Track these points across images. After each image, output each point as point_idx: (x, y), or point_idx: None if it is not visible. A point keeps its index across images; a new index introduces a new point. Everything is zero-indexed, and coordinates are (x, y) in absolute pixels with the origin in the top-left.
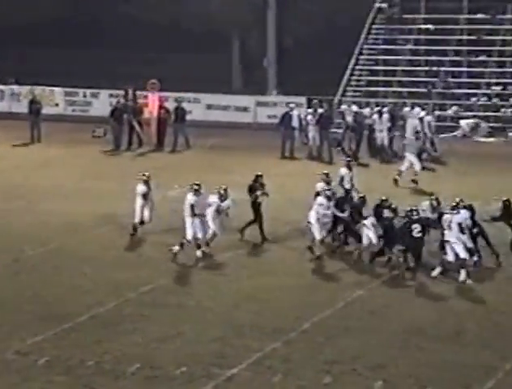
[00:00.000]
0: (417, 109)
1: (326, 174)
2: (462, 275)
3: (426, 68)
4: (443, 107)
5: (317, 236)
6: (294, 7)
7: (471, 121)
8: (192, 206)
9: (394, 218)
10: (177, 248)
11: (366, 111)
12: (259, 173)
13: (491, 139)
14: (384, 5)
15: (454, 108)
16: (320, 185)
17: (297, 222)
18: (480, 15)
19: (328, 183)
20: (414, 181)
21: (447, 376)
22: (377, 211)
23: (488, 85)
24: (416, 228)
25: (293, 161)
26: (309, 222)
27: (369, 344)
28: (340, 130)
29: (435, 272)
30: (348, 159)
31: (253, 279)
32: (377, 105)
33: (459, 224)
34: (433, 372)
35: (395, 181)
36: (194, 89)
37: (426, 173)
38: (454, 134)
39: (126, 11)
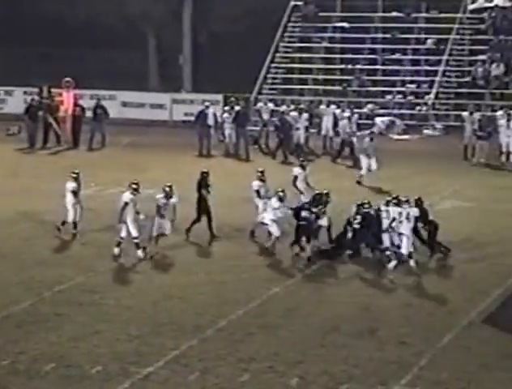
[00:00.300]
0: (333, 107)
1: (262, 172)
2: (392, 264)
3: (341, 66)
4: (358, 105)
5: (277, 233)
6: (210, 4)
7: (387, 118)
8: (126, 204)
9: (317, 218)
10: (139, 253)
11: (282, 109)
12: (205, 170)
13: (406, 137)
14: (299, 2)
15: (370, 106)
16: (256, 184)
17: (216, 219)
18: (394, 14)
19: (263, 181)
20: (358, 182)
21: (363, 372)
22: (296, 211)
23: (403, 83)
24: (356, 220)
25: (210, 159)
26: (263, 223)
27: (286, 341)
28: (257, 128)
29: (391, 264)
30: (301, 158)
31: (173, 278)
32: (293, 103)
33: (416, 218)
34: (349, 368)
35: (359, 182)
36: (109, 86)
37: (340, 167)
38: (370, 131)
39: (42, 8)
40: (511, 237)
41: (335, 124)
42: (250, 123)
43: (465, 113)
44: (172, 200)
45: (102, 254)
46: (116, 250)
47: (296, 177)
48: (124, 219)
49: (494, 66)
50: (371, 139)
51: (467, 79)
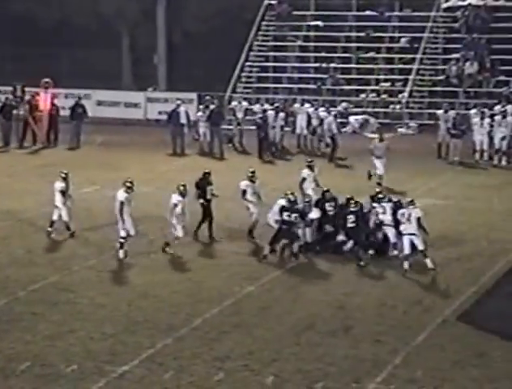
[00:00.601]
0: (307, 105)
1: (253, 173)
2: (429, 263)
3: (316, 64)
4: (333, 103)
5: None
6: (183, 3)
7: (361, 117)
8: (122, 203)
9: (302, 217)
10: (121, 253)
11: (256, 107)
12: (207, 171)
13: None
14: (273, 1)
15: (344, 104)
16: (244, 184)
17: (190, 217)
18: (368, 12)
19: (253, 182)
20: (379, 183)
21: (338, 370)
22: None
23: (377, 81)
24: (350, 219)
25: (184, 157)
26: (269, 225)
27: (261, 339)
28: (231, 126)
29: (406, 266)
30: (309, 159)
31: (147, 277)
32: (267, 101)
33: (418, 219)
34: (324, 366)
35: (379, 184)
36: (84, 85)
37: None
38: (344, 130)
39: (14, 7)
40: (485, 235)
41: (309, 122)
42: (225, 122)
43: (440, 111)
44: (185, 199)
45: (76, 252)
46: (120, 253)
47: (304, 179)
48: (122, 216)
49: (468, 64)
50: (380, 140)
51: (441, 77)
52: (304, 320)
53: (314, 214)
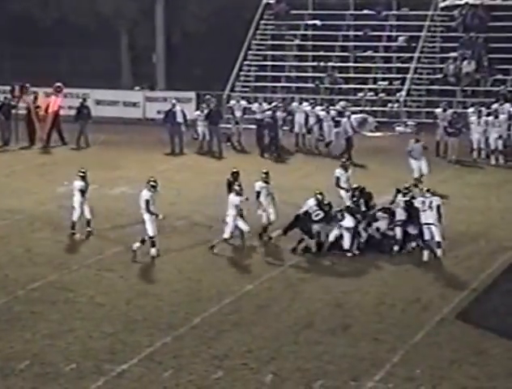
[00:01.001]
0: (305, 104)
1: (266, 174)
2: (439, 252)
3: (314, 63)
4: (331, 102)
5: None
6: (182, 2)
7: (359, 116)
8: (147, 201)
9: (327, 222)
10: (137, 245)
11: (255, 106)
12: (236, 170)
13: (378, 134)
14: (271, 0)
15: (342, 103)
16: (258, 185)
17: (189, 216)
18: (365, 11)
19: (267, 183)
20: (416, 185)
21: (336, 369)
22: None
23: (375, 80)
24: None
25: (182, 156)
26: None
27: (260, 338)
28: (230, 125)
29: (425, 257)
30: (343, 159)
31: (145, 276)
32: (265, 100)
33: (438, 207)
34: (322, 365)
35: (418, 181)
36: (83, 85)
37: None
38: (336, 130)
39: (13, 6)
40: (483, 233)
41: (307, 121)
42: (223, 121)
43: (438, 110)
44: (243, 198)
45: (76, 251)
46: (152, 251)
47: (338, 178)
48: (151, 214)
49: (465, 63)
50: (416, 141)
51: (439, 76)
52: (302, 318)
53: (347, 222)
